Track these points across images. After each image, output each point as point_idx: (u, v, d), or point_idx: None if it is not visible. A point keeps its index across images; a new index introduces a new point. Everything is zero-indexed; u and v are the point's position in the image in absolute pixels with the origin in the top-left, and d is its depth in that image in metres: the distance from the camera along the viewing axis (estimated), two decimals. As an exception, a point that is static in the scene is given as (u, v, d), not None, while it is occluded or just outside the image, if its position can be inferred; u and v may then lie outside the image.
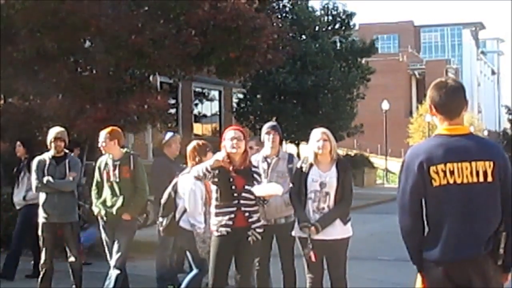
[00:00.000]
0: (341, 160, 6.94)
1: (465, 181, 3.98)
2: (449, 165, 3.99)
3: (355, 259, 9.12)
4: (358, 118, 34.49)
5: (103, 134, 8.25)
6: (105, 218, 8.27)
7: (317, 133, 6.83)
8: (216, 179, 6.67)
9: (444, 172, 3.99)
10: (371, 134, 46.31)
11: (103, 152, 8.29)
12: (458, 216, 3.99)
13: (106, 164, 8.27)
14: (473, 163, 3.98)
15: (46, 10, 12.37)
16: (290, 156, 7.84)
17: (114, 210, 8.12)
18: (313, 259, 6.78)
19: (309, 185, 6.75)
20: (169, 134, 9.39)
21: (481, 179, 3.97)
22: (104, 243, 8.46)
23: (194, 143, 7.72)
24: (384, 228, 17.83)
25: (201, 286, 7.92)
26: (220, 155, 6.64)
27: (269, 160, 7.62)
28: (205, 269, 7.55)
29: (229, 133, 6.76)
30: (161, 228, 7.95)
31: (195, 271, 7.68)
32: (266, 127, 7.79)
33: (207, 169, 6.57)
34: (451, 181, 3.99)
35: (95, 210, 8.38)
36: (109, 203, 8.21)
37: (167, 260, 8.91)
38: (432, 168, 4.00)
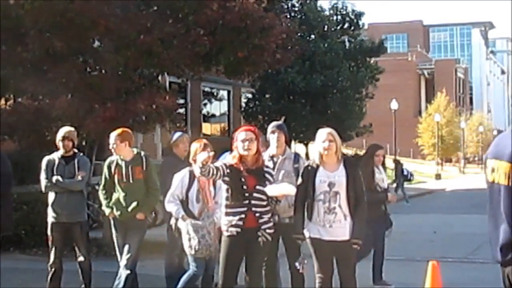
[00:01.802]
0: (348, 158, 6.94)
1: (497, 180, 3.80)
2: (491, 161, 3.85)
3: (364, 259, 9.12)
4: (367, 117, 34.43)
5: (113, 136, 8.26)
6: (118, 218, 8.30)
7: (323, 134, 6.80)
8: (227, 179, 6.66)
9: (488, 168, 3.86)
10: (380, 133, 46.14)
11: (114, 154, 8.30)
12: (490, 216, 3.88)
13: (117, 164, 8.28)
14: (501, 163, 3.78)
15: (55, 10, 12.39)
16: (296, 155, 7.83)
17: (129, 210, 8.16)
18: (301, 270, 7.00)
19: (318, 187, 6.72)
20: (176, 134, 9.37)
21: (504, 181, 3.76)
22: (115, 243, 8.48)
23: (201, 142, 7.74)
24: (393, 228, 17.76)
25: (211, 286, 7.91)
26: (204, 155, 6.56)
27: (275, 159, 7.62)
28: (202, 269, 7.60)
29: (240, 135, 6.74)
30: (173, 227, 7.96)
31: (192, 270, 7.67)
32: (271, 126, 7.79)
33: (200, 167, 6.47)
34: (491, 179, 3.85)
35: (107, 211, 8.39)
36: (123, 204, 8.24)
37: (176, 260, 8.90)
38: (486, 162, 3.90)
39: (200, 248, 7.32)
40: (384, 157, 9.78)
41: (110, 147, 8.28)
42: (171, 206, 7.63)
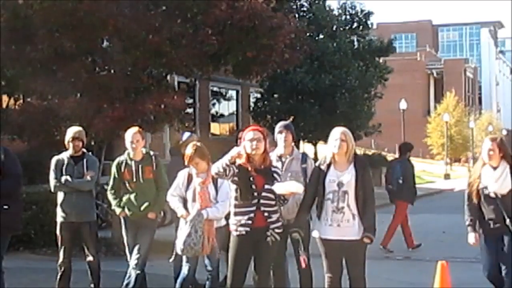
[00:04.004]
0: (358, 158, 6.88)
1: None
2: None
3: (373, 259, 9.09)
4: (376, 117, 34.34)
5: (133, 133, 8.25)
6: (129, 218, 8.31)
7: (336, 133, 6.79)
8: (236, 178, 6.67)
9: None
10: (388, 133, 46.12)
11: (133, 151, 8.28)
12: None
13: (127, 164, 8.30)
14: None
15: (64, 10, 12.42)
16: (304, 155, 7.81)
17: (141, 209, 8.18)
18: (303, 265, 7.04)
19: (327, 186, 6.72)
20: (186, 135, 9.37)
21: None
22: (125, 243, 8.50)
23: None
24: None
25: (217, 286, 7.91)
26: (236, 150, 6.63)
27: (283, 159, 7.61)
28: (193, 269, 7.66)
29: (248, 134, 6.75)
30: None
31: (182, 271, 7.69)
32: (278, 126, 7.78)
33: (226, 164, 6.57)
34: None
35: (118, 210, 8.40)
36: (134, 203, 8.26)
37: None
38: None
39: (185, 247, 7.33)
40: (500, 149, 7.37)
41: (130, 145, 8.26)
42: (172, 198, 7.66)
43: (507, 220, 7.22)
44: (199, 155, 7.53)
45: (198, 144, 7.73)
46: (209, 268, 7.75)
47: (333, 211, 6.67)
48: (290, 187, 6.66)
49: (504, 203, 7.28)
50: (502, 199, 7.29)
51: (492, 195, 7.34)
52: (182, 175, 7.68)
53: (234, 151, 6.62)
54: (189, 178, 7.63)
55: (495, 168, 7.38)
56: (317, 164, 7.04)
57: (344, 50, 30.43)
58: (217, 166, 6.66)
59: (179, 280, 7.74)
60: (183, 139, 9.32)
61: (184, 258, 7.65)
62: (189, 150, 7.58)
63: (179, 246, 7.39)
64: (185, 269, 7.67)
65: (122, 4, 13.20)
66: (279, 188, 6.63)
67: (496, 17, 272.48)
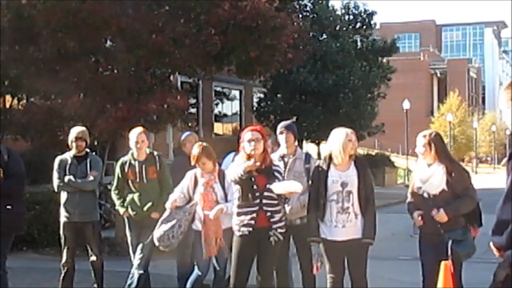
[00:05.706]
0: (358, 158, 6.89)
1: None
2: None
3: (375, 259, 9.11)
4: (379, 117, 34.32)
5: (138, 133, 8.25)
6: (133, 218, 8.32)
7: (347, 133, 6.76)
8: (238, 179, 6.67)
9: None
10: (392, 133, 46.08)
11: (138, 152, 8.29)
12: None
13: (130, 164, 8.31)
14: None
15: (67, 10, 12.44)
16: (307, 156, 7.78)
17: (145, 209, 8.19)
18: (314, 271, 6.93)
19: (330, 187, 6.70)
20: (184, 134, 9.41)
21: None
22: (129, 242, 8.51)
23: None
24: (405, 227, 17.69)
25: (222, 286, 7.91)
26: (251, 162, 6.62)
27: (286, 159, 7.58)
28: (206, 270, 7.64)
29: (246, 135, 6.74)
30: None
31: (196, 271, 7.69)
32: (279, 127, 7.74)
33: (241, 174, 6.57)
34: None
35: (121, 210, 8.41)
36: (138, 203, 8.26)
37: (188, 259, 8.91)
38: None
39: (163, 237, 7.32)
40: (432, 146, 6.70)
41: (135, 145, 8.27)
42: (174, 193, 7.60)
43: (438, 225, 6.55)
44: (206, 155, 7.49)
45: (205, 144, 7.71)
46: (216, 268, 7.75)
47: (338, 212, 6.66)
48: (288, 186, 6.62)
49: (436, 204, 6.59)
50: (434, 200, 6.62)
51: (426, 195, 6.70)
52: (189, 177, 7.64)
53: (249, 163, 6.60)
54: (196, 179, 7.61)
55: (429, 166, 6.74)
56: (316, 164, 7.03)
57: (347, 50, 30.43)
58: (233, 176, 6.66)
59: (191, 279, 7.70)
60: (181, 138, 9.36)
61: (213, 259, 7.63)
62: (195, 150, 7.55)
63: (156, 234, 7.37)
64: (198, 270, 7.64)
65: (125, 4, 13.22)
66: (278, 187, 6.60)
67: (499, 17, 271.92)
